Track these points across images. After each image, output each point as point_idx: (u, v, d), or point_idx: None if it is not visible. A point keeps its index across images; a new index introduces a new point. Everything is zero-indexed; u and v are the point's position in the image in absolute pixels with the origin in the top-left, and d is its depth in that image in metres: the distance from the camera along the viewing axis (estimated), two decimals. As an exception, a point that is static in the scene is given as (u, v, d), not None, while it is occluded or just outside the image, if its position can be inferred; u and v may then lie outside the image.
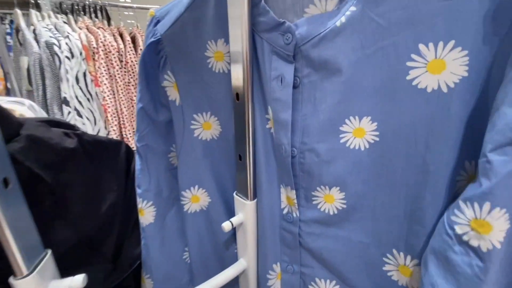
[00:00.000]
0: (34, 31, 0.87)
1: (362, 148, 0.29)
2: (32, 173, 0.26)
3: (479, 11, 0.21)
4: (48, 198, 0.29)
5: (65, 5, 1.08)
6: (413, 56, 0.24)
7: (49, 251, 0.28)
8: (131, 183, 0.43)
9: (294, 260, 0.37)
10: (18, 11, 0.88)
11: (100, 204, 0.36)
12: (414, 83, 0.24)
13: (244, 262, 0.41)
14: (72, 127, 0.36)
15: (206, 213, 0.44)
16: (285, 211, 0.36)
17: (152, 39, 0.37)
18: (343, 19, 0.25)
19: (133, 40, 1.13)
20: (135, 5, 1.19)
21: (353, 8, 0.25)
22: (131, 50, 1.02)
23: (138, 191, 0.41)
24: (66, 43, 0.82)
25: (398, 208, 0.29)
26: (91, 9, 1.13)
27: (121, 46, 1.01)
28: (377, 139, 0.28)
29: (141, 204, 0.41)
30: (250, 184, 0.36)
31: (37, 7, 0.94)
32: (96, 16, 1.15)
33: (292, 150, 0.32)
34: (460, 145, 0.24)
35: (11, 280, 0.24)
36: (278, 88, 0.30)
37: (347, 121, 0.28)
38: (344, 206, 0.31)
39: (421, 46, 0.23)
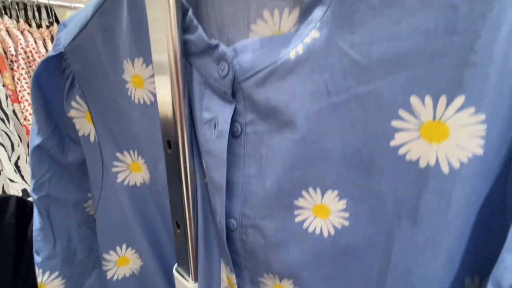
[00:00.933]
0: None
1: (326, 235, 0.20)
2: None
3: (507, 56, 0.13)
4: None
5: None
6: (401, 113, 0.16)
7: None
8: (27, 253, 0.30)
9: None
10: None
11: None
12: (400, 152, 0.17)
13: None
14: None
15: (138, 280, 0.34)
16: None
17: (52, 53, 0.27)
18: (299, 48, 0.17)
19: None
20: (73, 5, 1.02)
21: (315, 34, 0.16)
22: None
23: (37, 259, 0.30)
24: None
25: None
26: (33, 8, 0.94)
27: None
28: (347, 223, 0.20)
29: (41, 277, 0.30)
30: (191, 260, 0.26)
31: None
32: (40, 17, 0.96)
33: (230, 222, 0.23)
34: (461, 251, 0.17)
35: None
36: (210, 136, 0.21)
37: (304, 193, 0.20)
38: None
39: (414, 100, 0.15)
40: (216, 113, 0.21)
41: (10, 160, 0.69)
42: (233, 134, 0.21)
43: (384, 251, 0.19)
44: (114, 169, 0.30)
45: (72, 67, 0.28)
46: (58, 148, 0.30)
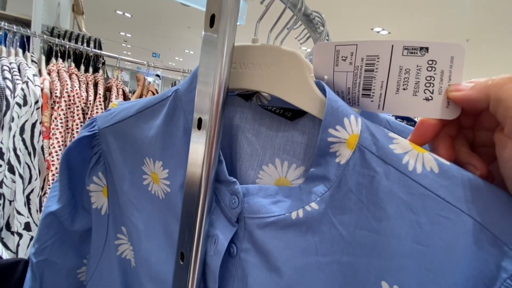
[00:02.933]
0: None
1: None
2: None
3: (455, 270, 0.17)
4: None
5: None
6: None
7: None
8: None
9: None
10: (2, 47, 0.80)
11: None
12: None
13: None
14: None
15: None
16: None
17: (87, 133, 0.30)
18: (300, 212, 0.20)
19: (109, 89, 1.06)
20: (120, 57, 1.15)
21: (315, 206, 0.20)
22: (100, 104, 0.94)
23: None
24: (22, 89, 0.72)
25: None
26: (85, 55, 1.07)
27: (91, 98, 0.93)
28: None
29: None
30: None
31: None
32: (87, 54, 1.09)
33: None
34: None
35: None
36: (210, 250, 0.23)
37: None
38: None
39: (384, 285, 0.18)
40: (218, 231, 0.23)
41: (23, 192, 0.72)
42: (230, 253, 0.23)
43: None
44: (116, 242, 0.32)
45: (102, 146, 0.31)
46: (69, 216, 0.32)
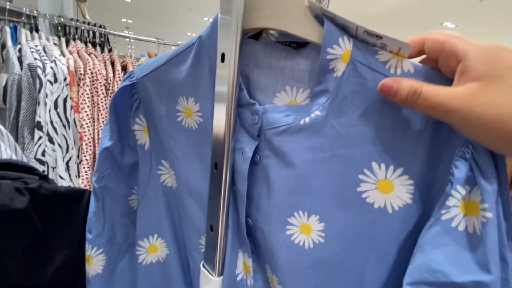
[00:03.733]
0: (19, 50, 0.85)
1: (306, 247, 0.28)
2: None
3: (428, 146, 0.23)
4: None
5: (62, 26, 1.08)
6: (366, 171, 0.25)
7: None
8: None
9: None
10: (7, 28, 0.87)
11: (46, 267, 0.32)
12: (363, 195, 0.26)
13: None
14: (32, 171, 0.33)
15: (163, 266, 0.40)
16: (239, 277, 0.33)
17: (127, 82, 0.37)
18: (307, 119, 0.26)
19: (124, 68, 1.12)
20: (130, 35, 1.20)
21: (318, 113, 0.26)
22: (120, 80, 1.01)
23: (89, 236, 0.37)
24: (51, 67, 0.80)
25: None
26: (86, 32, 1.13)
27: (110, 74, 1.00)
28: (323, 241, 0.27)
29: (89, 251, 0.37)
30: (220, 259, 0.33)
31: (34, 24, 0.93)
32: (93, 38, 1.15)
33: (248, 221, 0.31)
34: (398, 267, 0.25)
35: None
36: (239, 159, 0.30)
37: (295, 214, 0.28)
38: None
39: (374, 164, 0.25)
40: (243, 145, 0.30)
41: (63, 160, 0.82)
42: (254, 162, 0.30)
43: (346, 266, 0.27)
44: (158, 172, 0.39)
45: (140, 94, 0.38)
46: (119, 152, 0.38)
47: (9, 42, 0.85)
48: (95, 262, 0.37)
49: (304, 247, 0.28)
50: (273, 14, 0.27)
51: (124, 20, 7.16)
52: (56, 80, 0.79)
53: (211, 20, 0.31)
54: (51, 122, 0.78)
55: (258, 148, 0.29)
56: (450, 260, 0.21)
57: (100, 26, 1.20)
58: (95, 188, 0.38)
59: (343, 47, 0.25)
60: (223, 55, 0.28)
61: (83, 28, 1.09)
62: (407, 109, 0.24)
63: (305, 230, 0.28)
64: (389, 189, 0.25)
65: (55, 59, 0.82)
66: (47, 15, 1.05)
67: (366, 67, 0.24)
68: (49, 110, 0.78)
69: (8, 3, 0.95)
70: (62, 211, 0.34)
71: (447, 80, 0.22)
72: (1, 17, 0.97)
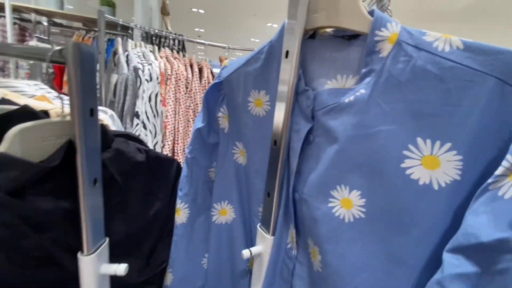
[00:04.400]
0: (127, 56, 1.08)
1: (346, 220, 0.30)
2: (112, 177, 0.35)
3: (480, 122, 0.23)
4: (116, 198, 0.37)
5: (152, 36, 1.33)
6: (410, 147, 0.26)
7: (107, 239, 0.35)
8: (174, 196, 0.50)
9: None
10: (119, 39, 1.12)
11: (149, 209, 0.44)
12: (407, 172, 0.26)
13: (256, 292, 0.44)
14: (141, 142, 0.46)
15: (229, 228, 0.49)
16: (288, 246, 0.39)
17: (217, 81, 0.47)
18: (351, 98, 0.29)
19: (200, 70, 1.30)
20: (206, 42, 1.39)
21: (362, 91, 0.29)
22: (197, 80, 1.19)
23: (179, 193, 0.48)
24: (148, 69, 1.00)
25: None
26: (171, 41, 1.36)
27: (190, 75, 1.19)
28: (363, 216, 0.29)
29: (179, 205, 0.48)
30: (274, 221, 0.40)
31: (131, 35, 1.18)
32: (174, 46, 1.38)
33: (295, 195, 0.36)
34: (441, 245, 0.24)
35: (79, 255, 0.32)
36: (295, 138, 0.36)
37: (338, 187, 0.31)
38: (320, 270, 0.33)
39: (419, 140, 0.25)
40: (300, 126, 0.35)
41: (152, 143, 1.01)
42: (308, 141, 0.34)
43: (387, 241, 0.28)
44: (233, 151, 0.47)
45: (225, 89, 0.47)
46: (206, 132, 0.48)
47: (120, 49, 1.10)
48: (182, 213, 0.48)
49: (344, 220, 0.30)
50: (329, 14, 0.32)
51: (197, 29, 7.95)
52: (151, 79, 1.00)
53: (274, 25, 0.39)
54: (145, 112, 0.98)
55: (312, 129, 0.34)
56: (485, 224, 0.21)
57: (179, 35, 1.43)
58: (188, 158, 0.49)
59: (391, 30, 0.27)
60: (287, 52, 0.35)
61: (171, 37, 1.31)
62: (456, 84, 0.23)
63: (346, 204, 0.30)
64: (435, 165, 0.25)
65: (151, 62, 1.03)
66: (146, 28, 1.31)
67: (412, 46, 0.26)
68: (145, 103, 0.98)
69: (121, 20, 1.21)
70: (162, 171, 0.46)
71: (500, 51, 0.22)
72: (113, 31, 1.26)
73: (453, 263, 0.21)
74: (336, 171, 0.31)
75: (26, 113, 0.31)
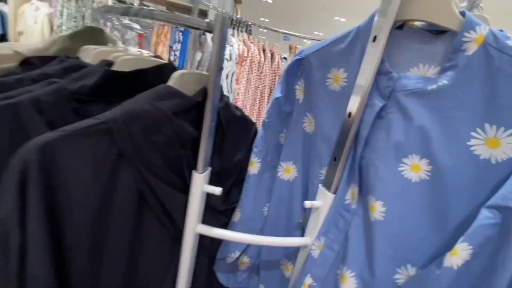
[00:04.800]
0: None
1: (413, 180, 0.37)
2: (220, 122, 0.46)
3: None
4: (219, 139, 0.49)
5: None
6: (478, 129, 0.32)
7: (210, 168, 0.48)
8: (250, 151, 0.61)
9: (337, 240, 0.46)
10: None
11: (235, 156, 0.56)
12: (472, 148, 0.33)
13: (309, 241, 0.52)
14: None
15: (290, 184, 0.58)
16: (347, 202, 0.46)
17: (298, 57, 0.55)
18: (434, 86, 0.35)
19: (272, 55, 1.40)
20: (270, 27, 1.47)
21: (445, 82, 0.35)
22: (268, 63, 1.29)
23: (255, 150, 0.58)
24: (229, 50, 1.14)
25: (427, 239, 0.37)
26: (241, 25, 1.49)
27: (262, 59, 1.30)
28: (428, 178, 0.36)
29: (253, 158, 0.58)
30: (337, 182, 0.47)
31: None
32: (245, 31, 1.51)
33: (362, 160, 0.43)
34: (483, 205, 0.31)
35: (194, 172, 0.44)
36: (368, 111, 0.42)
37: (409, 156, 0.37)
38: (382, 219, 0.40)
39: (486, 125, 0.32)
40: (374, 102, 0.41)
41: (222, 115, 1.16)
42: (380, 116, 0.41)
43: (447, 203, 0.35)
44: (303, 120, 0.55)
45: (304, 65, 0.55)
46: (283, 101, 0.56)
47: (206, 31, 1.26)
48: (255, 166, 0.59)
49: (411, 180, 0.38)
50: (422, 9, 0.38)
51: (262, 19, 8.06)
52: (230, 59, 1.13)
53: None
54: (221, 88, 1.12)
55: (386, 107, 0.41)
56: None
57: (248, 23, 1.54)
58: (265, 122, 0.58)
59: (479, 32, 0.33)
60: (375, 37, 0.41)
61: (249, 23, 1.43)
62: None
63: (415, 168, 0.38)
64: (496, 145, 0.32)
65: (232, 44, 1.16)
66: (230, 13, 1.45)
67: (495, 49, 0.32)
68: (222, 80, 1.12)
69: (210, 5, 1.37)
70: (246, 128, 0.57)
71: None
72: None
73: (487, 215, 0.28)
74: (410, 143, 0.38)
75: (171, 66, 0.44)
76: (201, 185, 0.45)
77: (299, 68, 0.56)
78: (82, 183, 0.28)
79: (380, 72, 0.42)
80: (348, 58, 0.47)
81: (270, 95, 1.26)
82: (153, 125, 0.34)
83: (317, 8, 5.88)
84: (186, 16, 0.39)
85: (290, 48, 1.53)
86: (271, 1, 6.30)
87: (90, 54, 0.47)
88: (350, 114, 0.45)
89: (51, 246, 0.27)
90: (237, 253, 0.61)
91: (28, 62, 0.44)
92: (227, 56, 1.14)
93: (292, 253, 0.59)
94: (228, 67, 1.14)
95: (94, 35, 0.56)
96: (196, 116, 0.40)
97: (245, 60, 1.23)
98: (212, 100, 0.40)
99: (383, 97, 0.41)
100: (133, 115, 0.31)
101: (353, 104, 0.45)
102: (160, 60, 0.44)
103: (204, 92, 0.40)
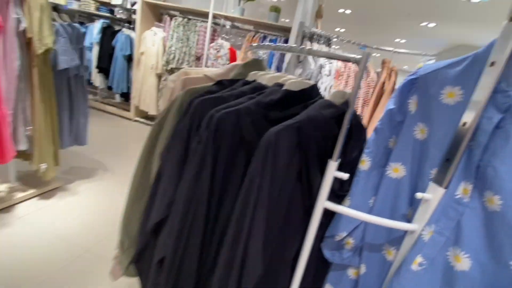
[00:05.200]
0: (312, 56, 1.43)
1: None
2: (351, 126, 0.63)
3: None
4: (348, 138, 0.65)
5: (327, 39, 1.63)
6: None
7: (340, 159, 0.64)
8: (361, 151, 0.74)
9: (447, 228, 0.55)
10: (308, 43, 1.49)
11: (352, 153, 0.71)
12: None
13: (417, 227, 0.63)
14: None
15: (398, 182, 0.69)
16: (458, 196, 0.55)
17: (413, 77, 0.67)
18: None
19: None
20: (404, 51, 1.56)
21: None
22: (364, 78, 1.40)
23: (366, 150, 0.71)
24: (329, 66, 1.30)
25: None
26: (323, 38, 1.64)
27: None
28: None
29: (364, 157, 0.71)
30: (448, 179, 0.57)
31: (311, 39, 1.53)
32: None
33: (480, 162, 0.52)
34: None
35: (330, 160, 0.61)
36: (485, 122, 0.51)
37: None
38: (499, 210, 0.48)
39: None
40: (491, 114, 0.51)
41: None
42: (498, 126, 0.50)
43: None
44: (414, 128, 0.66)
45: (418, 84, 0.66)
46: (395, 112, 0.68)
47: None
48: (365, 164, 0.73)
49: None
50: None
51: (337, 29, 7.98)
52: (330, 74, 1.30)
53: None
54: (320, 99, 1.30)
55: (503, 118, 0.50)
56: None
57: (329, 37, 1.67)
58: (378, 127, 0.72)
59: None
60: (492, 62, 0.51)
61: (335, 37, 1.57)
62: None
63: None
64: None
65: (331, 62, 1.33)
66: (312, 29, 1.63)
67: None
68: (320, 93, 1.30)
69: (306, 25, 1.57)
70: (362, 131, 0.72)
71: None
72: (275, 33, 1.64)
73: None
74: None
75: (316, 86, 0.62)
76: (333, 170, 0.62)
77: (412, 85, 0.68)
78: (286, 158, 0.48)
79: (497, 91, 0.51)
80: (465, 78, 0.57)
81: (363, 106, 1.36)
82: (318, 125, 0.52)
83: (401, 15, 5.54)
84: (341, 53, 0.57)
85: (383, 63, 1.59)
86: (349, 12, 6.23)
87: (263, 78, 0.70)
88: (464, 123, 0.55)
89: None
90: (344, 234, 0.75)
91: (220, 83, 0.70)
92: (326, 72, 1.31)
93: (395, 239, 0.70)
94: (327, 81, 1.30)
95: (257, 64, 0.81)
96: (339, 120, 0.58)
97: (342, 75, 1.37)
98: (351, 110, 0.56)
99: (500, 111, 0.51)
100: (310, 118, 0.50)
101: (469, 116, 0.55)
102: (309, 82, 0.64)
103: (346, 104, 0.57)
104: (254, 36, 3.67)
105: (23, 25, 1.67)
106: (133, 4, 4.20)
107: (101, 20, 4.33)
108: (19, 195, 1.98)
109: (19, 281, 1.40)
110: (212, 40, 3.98)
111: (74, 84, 2.08)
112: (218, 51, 3.82)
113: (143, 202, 0.76)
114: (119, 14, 4.31)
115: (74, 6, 4.29)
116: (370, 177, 0.74)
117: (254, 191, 0.47)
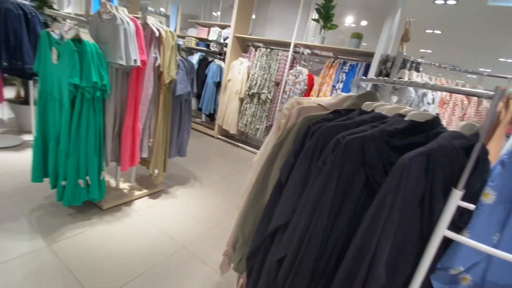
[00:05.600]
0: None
1: None
2: (478, 156, 0.64)
3: None
4: (474, 169, 0.66)
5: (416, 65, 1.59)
6: None
7: (464, 190, 0.65)
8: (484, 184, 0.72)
9: None
10: (406, 71, 1.49)
11: (477, 184, 0.69)
12: None
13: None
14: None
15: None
16: None
17: None
18: None
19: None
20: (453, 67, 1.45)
21: None
22: (474, 106, 1.31)
23: (491, 183, 0.68)
24: (432, 95, 1.28)
25: None
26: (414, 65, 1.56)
27: (466, 102, 1.34)
28: None
29: (488, 190, 0.68)
30: None
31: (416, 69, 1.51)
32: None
33: None
34: None
35: (454, 189, 0.63)
36: None
37: None
38: None
39: None
40: None
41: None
42: None
43: None
44: None
45: None
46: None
47: (405, 78, 1.47)
48: (489, 197, 0.69)
49: None
50: None
51: (422, 50, 7.32)
52: (433, 103, 1.27)
53: None
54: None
55: None
56: None
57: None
58: (505, 160, 0.69)
59: None
60: None
61: (419, 61, 1.51)
62: None
63: None
64: None
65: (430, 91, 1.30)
66: (407, 57, 1.60)
67: None
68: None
69: (397, 54, 1.57)
70: (487, 162, 0.70)
71: None
72: (356, 58, 1.65)
73: None
74: None
75: (438, 117, 0.66)
76: (458, 199, 0.63)
77: None
78: (414, 181, 0.55)
79: None
80: None
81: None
82: (447, 154, 0.56)
83: (510, 32, 4.79)
84: (470, 89, 0.61)
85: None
86: (439, 32, 5.74)
87: (381, 109, 0.78)
88: None
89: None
90: (461, 269, 0.72)
91: (337, 112, 0.81)
92: (429, 100, 1.28)
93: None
94: (430, 109, 1.27)
95: (370, 96, 0.90)
96: (467, 151, 0.60)
97: (447, 103, 1.31)
98: (481, 142, 0.59)
99: None
100: (440, 147, 0.55)
101: None
102: (431, 114, 0.68)
103: (475, 136, 0.60)
104: (333, 62, 3.76)
105: (158, 61, 2.17)
106: (225, 38, 4.89)
107: (199, 53, 5.15)
108: (137, 193, 2.46)
109: (130, 267, 1.72)
110: (292, 67, 4.25)
111: (184, 106, 2.53)
112: (296, 77, 4.05)
113: (259, 206, 0.90)
114: (213, 47, 5.05)
115: (180, 42, 5.25)
116: (494, 212, 0.70)
117: (387, 207, 0.54)
